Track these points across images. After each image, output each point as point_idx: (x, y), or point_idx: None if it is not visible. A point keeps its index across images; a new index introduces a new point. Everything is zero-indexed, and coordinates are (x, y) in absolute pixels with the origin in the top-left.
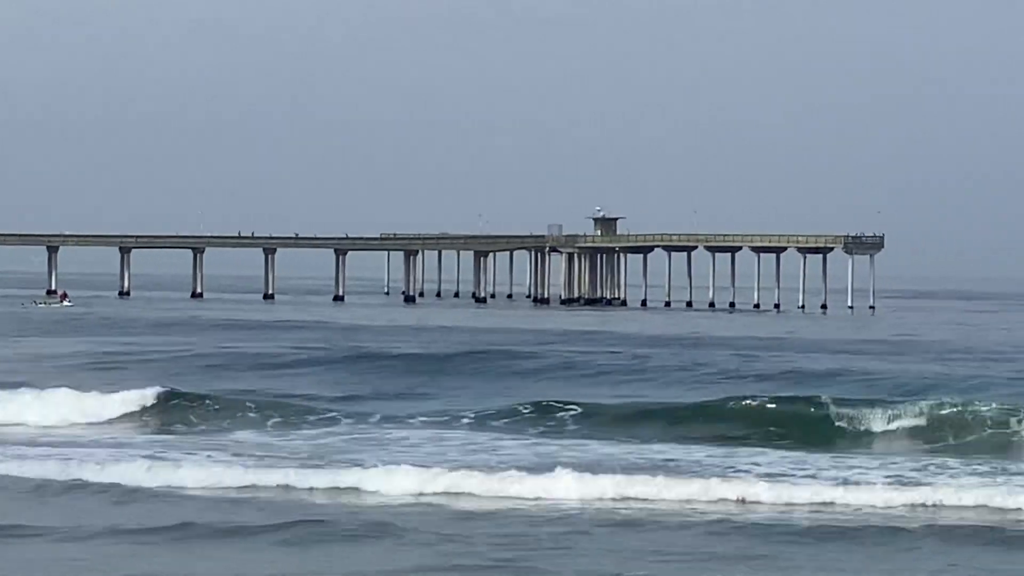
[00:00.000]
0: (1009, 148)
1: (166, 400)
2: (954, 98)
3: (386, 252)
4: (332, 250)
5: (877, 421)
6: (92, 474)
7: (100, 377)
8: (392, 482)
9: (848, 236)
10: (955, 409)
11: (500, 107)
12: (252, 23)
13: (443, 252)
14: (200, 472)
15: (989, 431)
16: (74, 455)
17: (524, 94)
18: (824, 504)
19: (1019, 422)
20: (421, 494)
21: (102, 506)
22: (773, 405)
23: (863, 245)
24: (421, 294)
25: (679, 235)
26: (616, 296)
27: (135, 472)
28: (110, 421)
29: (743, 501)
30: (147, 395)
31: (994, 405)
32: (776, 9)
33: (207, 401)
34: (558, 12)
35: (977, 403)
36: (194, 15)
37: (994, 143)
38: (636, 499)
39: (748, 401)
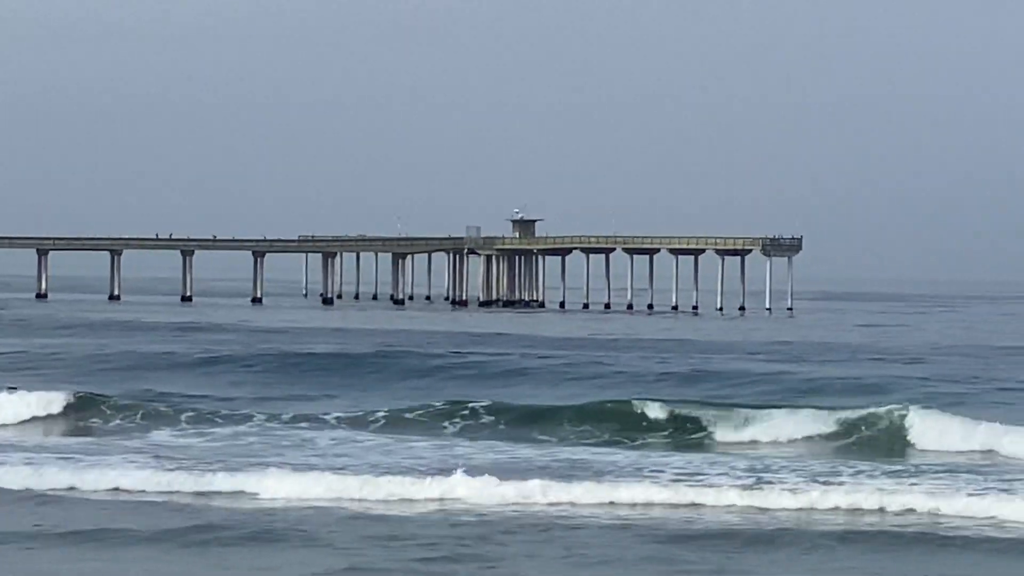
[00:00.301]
0: (926, 151)
1: (76, 402)
2: (874, 101)
3: (304, 254)
4: (250, 252)
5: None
6: None
7: (10, 379)
8: (283, 486)
9: (766, 238)
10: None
11: (417, 110)
12: (155, 23)
13: (361, 254)
14: (94, 475)
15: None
16: None
17: (441, 97)
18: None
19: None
20: (307, 498)
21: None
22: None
23: (781, 247)
24: (339, 296)
25: (597, 237)
26: (534, 298)
27: (18, 476)
28: (20, 423)
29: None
30: (56, 398)
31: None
32: (694, 8)
33: (117, 402)
34: (478, 14)
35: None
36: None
37: (913, 146)
38: (533, 502)
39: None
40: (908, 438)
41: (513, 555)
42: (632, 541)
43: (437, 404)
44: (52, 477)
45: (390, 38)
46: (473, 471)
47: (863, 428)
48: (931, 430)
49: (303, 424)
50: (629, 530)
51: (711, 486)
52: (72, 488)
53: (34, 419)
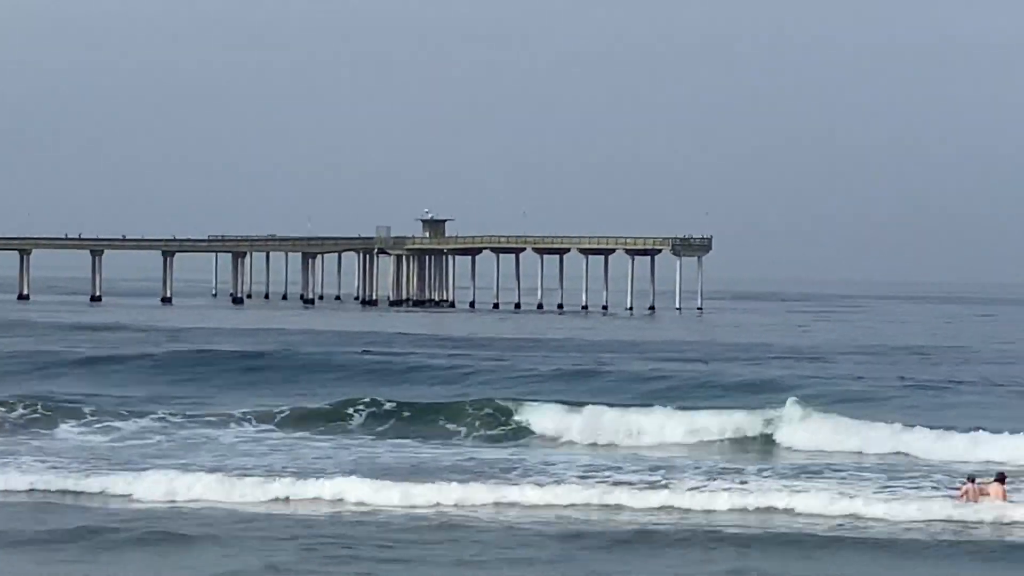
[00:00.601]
0: (835, 149)
1: None
2: (781, 101)
3: (214, 254)
4: (159, 252)
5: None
6: None
7: None
8: (156, 487)
9: (676, 238)
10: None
11: (328, 109)
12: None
13: (271, 254)
14: None
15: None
16: None
17: (350, 98)
18: None
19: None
20: (182, 500)
21: None
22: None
23: (691, 247)
24: (249, 296)
25: (507, 237)
26: (444, 298)
27: None
28: None
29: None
30: None
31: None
32: (597, 8)
33: (13, 403)
34: (379, 11)
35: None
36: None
37: (821, 146)
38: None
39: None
40: (775, 438)
41: (405, 557)
42: (524, 541)
43: (337, 401)
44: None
45: (301, 34)
46: (363, 471)
47: (723, 428)
48: (801, 430)
49: (209, 420)
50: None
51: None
52: None
53: None
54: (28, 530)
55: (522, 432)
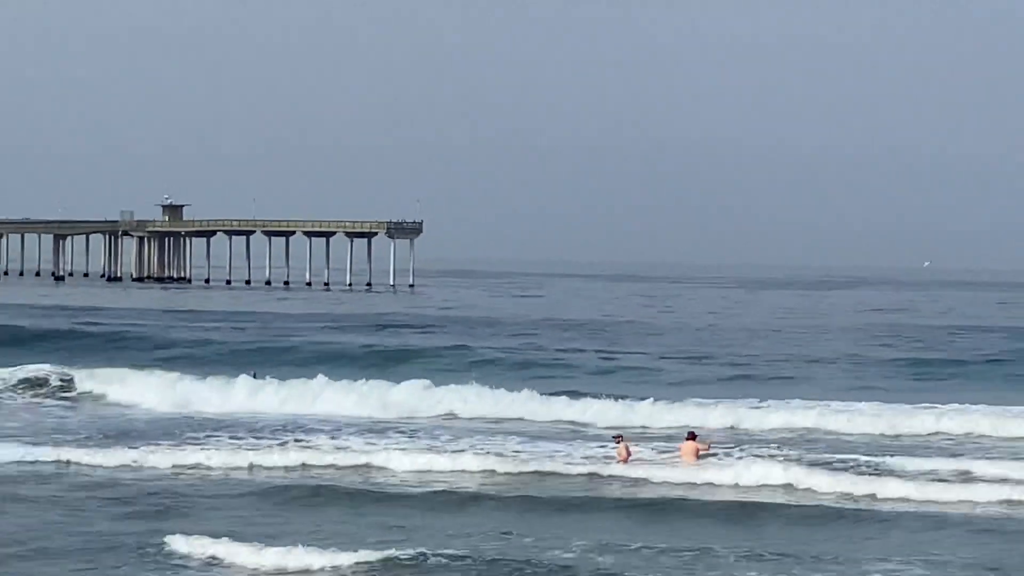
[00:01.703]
0: (535, 148)
1: None
2: (487, 101)
3: None
4: None
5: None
6: None
7: None
8: None
9: (390, 222)
10: None
11: (81, 102)
12: None
13: (26, 236)
14: None
15: None
16: None
17: (101, 90)
18: None
19: None
20: None
21: None
22: None
23: (404, 230)
24: (5, 273)
25: (239, 221)
26: (182, 275)
27: None
28: None
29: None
30: None
31: None
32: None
33: None
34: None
35: None
36: None
37: (523, 143)
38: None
39: None
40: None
41: None
42: None
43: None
44: None
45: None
46: None
47: None
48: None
49: None
50: None
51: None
52: None
53: None
54: None
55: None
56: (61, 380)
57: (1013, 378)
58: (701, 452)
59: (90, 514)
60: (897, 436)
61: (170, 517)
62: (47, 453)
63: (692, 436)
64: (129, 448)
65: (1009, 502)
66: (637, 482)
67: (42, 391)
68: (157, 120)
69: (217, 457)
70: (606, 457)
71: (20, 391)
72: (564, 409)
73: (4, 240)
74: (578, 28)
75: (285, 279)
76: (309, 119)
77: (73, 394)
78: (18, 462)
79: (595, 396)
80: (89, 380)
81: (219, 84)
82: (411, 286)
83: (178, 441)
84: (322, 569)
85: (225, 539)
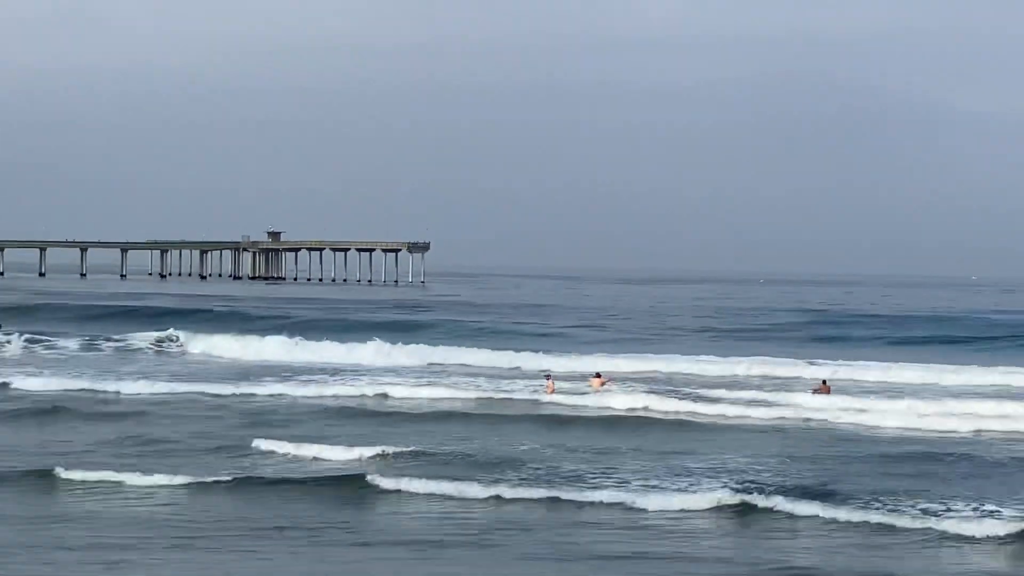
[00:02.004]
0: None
1: None
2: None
3: (177, 251)
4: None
5: None
6: None
7: None
8: None
9: (409, 243)
10: None
11: (210, 152)
12: None
13: (182, 251)
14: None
15: None
16: None
17: (223, 144)
18: None
19: None
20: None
21: None
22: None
23: (418, 247)
24: (169, 275)
25: (315, 241)
26: (280, 276)
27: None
28: None
29: None
30: None
31: None
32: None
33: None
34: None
35: None
36: None
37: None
38: None
39: None
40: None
41: None
42: None
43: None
44: None
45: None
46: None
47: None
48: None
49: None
50: None
51: None
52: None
53: None
54: None
55: None
56: (175, 340)
57: (791, 340)
58: (603, 385)
59: (205, 425)
60: (719, 376)
61: (259, 426)
62: (173, 387)
63: (598, 375)
64: (228, 382)
65: (783, 418)
66: (560, 405)
67: (164, 347)
68: (263, 166)
69: (289, 390)
70: (538, 388)
71: (151, 346)
72: (512, 358)
73: (170, 254)
74: None
75: (344, 278)
76: (364, 164)
77: (182, 349)
78: (150, 393)
79: (532, 351)
80: (196, 340)
81: (303, 137)
82: (422, 283)
83: (257, 379)
84: (347, 461)
85: (285, 441)
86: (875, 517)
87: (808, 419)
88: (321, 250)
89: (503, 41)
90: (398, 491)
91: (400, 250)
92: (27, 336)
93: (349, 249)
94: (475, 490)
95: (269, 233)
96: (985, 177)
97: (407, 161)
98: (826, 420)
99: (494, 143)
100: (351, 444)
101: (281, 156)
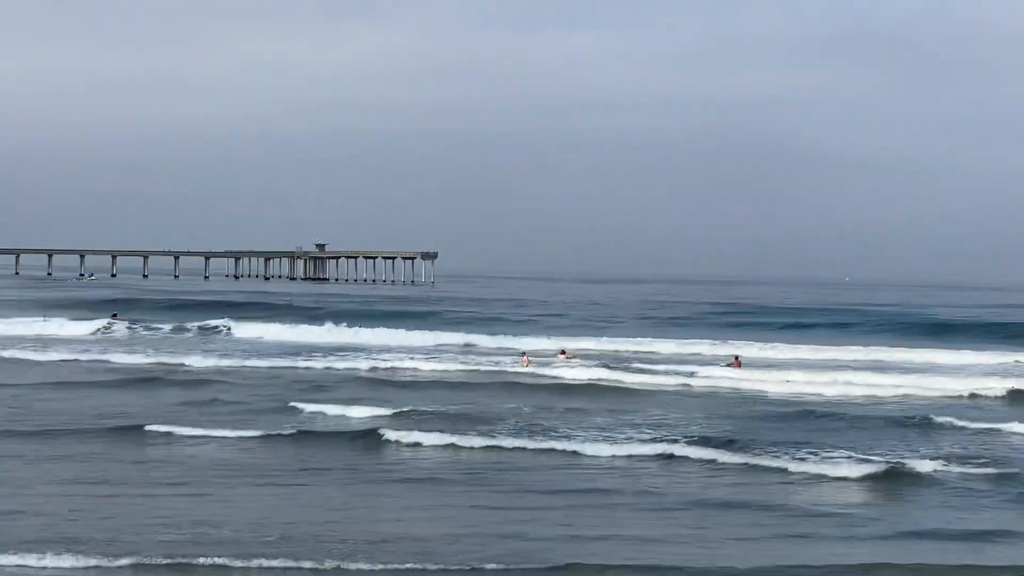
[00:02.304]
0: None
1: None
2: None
3: (234, 259)
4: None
5: None
6: None
7: None
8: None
9: (422, 252)
10: None
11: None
12: None
13: (251, 259)
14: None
15: None
16: None
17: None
18: None
19: None
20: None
21: None
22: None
23: (429, 256)
24: (240, 277)
25: (352, 251)
26: (324, 278)
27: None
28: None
29: None
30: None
31: None
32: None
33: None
34: None
35: None
36: None
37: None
38: None
39: None
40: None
41: None
42: None
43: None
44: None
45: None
46: None
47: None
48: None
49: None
50: None
51: None
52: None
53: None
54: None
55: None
56: (226, 327)
57: (712, 325)
58: (567, 358)
59: (252, 391)
60: (653, 352)
61: (301, 392)
62: (224, 361)
63: (563, 351)
64: (274, 357)
65: (716, 387)
66: (534, 376)
67: (218, 333)
68: (312, 193)
69: (330, 364)
70: (516, 362)
71: (204, 333)
72: (502, 341)
73: (241, 260)
74: None
75: (372, 279)
76: (388, 192)
77: (229, 334)
78: (211, 367)
79: (515, 335)
80: (242, 326)
81: (343, 172)
82: (432, 283)
83: (300, 356)
84: (362, 417)
85: (320, 403)
86: (764, 461)
87: (722, 387)
88: (356, 258)
89: (500, 100)
90: (400, 441)
91: (415, 258)
92: (128, 322)
93: (376, 257)
94: (471, 439)
95: (316, 245)
96: (859, 203)
97: (422, 189)
98: (736, 388)
99: (491, 175)
100: (372, 405)
101: (326, 186)
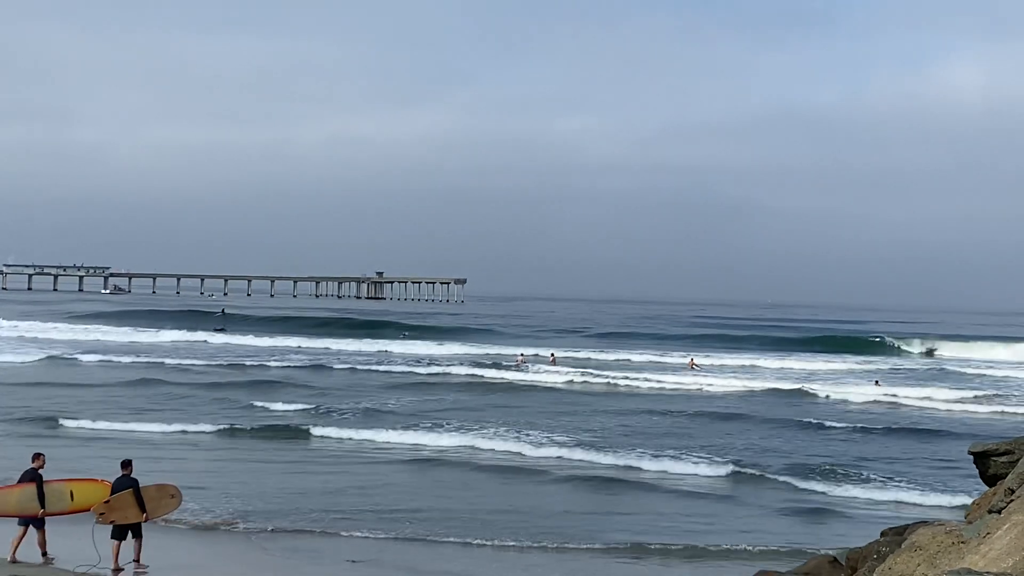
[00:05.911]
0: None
1: None
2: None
3: (311, 282)
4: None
5: None
6: None
7: None
8: None
9: (454, 279)
10: None
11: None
12: None
13: (328, 282)
14: None
15: None
16: None
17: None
18: None
19: None
20: None
21: None
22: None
23: (460, 281)
24: (319, 296)
25: (403, 277)
26: (382, 297)
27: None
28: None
29: None
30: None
31: None
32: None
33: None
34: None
35: None
36: None
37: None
38: None
39: None
40: None
41: None
42: None
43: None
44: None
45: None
46: None
47: None
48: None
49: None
50: None
51: None
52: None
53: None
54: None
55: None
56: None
57: (667, 338)
58: (555, 361)
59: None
60: (615, 360)
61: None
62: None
63: (552, 356)
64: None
65: (664, 387)
66: (527, 379)
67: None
68: (373, 229)
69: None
70: (512, 366)
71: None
72: (508, 348)
73: (320, 283)
74: None
75: (417, 298)
76: (430, 230)
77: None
78: (228, 363)
79: (519, 344)
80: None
81: (401, 212)
82: (462, 302)
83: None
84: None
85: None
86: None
87: (677, 387)
88: (405, 282)
89: (519, 165)
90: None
91: (449, 283)
92: (225, 333)
93: (421, 282)
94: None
95: (376, 272)
96: (780, 242)
97: (455, 230)
98: (685, 387)
99: (509, 221)
100: (390, 397)
101: (384, 225)
